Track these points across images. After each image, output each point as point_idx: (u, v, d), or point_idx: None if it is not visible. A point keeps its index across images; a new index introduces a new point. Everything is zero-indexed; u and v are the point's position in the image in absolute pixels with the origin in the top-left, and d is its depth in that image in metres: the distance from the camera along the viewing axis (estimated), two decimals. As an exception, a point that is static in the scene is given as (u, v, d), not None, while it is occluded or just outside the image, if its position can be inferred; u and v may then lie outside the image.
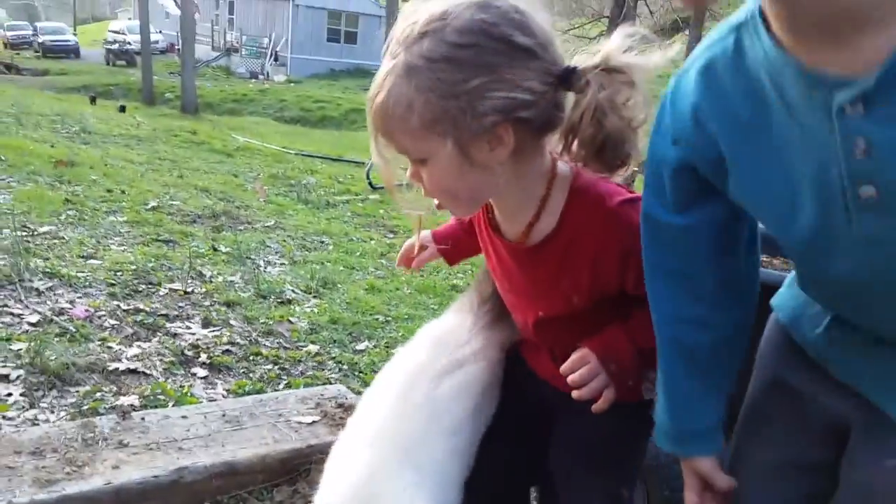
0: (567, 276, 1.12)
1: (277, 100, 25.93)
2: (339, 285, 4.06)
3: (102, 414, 1.93)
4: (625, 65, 0.97)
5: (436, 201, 1.09)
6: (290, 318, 3.41)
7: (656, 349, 1.06)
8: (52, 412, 2.18)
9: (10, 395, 2.22)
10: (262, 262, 4.34)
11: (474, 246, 1.34)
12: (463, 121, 0.94)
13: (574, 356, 1.12)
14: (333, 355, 3.04)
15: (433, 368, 1.30)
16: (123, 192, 5.37)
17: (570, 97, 1.00)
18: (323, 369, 2.92)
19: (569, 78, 0.97)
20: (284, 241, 5.00)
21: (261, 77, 31.43)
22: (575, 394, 1.11)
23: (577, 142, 1.00)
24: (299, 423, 1.95)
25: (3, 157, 5.62)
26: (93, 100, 18.00)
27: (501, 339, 1.40)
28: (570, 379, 1.12)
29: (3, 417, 2.08)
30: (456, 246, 1.43)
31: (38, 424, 1.95)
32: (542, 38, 0.96)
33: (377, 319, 3.58)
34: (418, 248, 1.43)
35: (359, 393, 2.62)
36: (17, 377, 2.33)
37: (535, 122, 0.98)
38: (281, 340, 3.16)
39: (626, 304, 1.13)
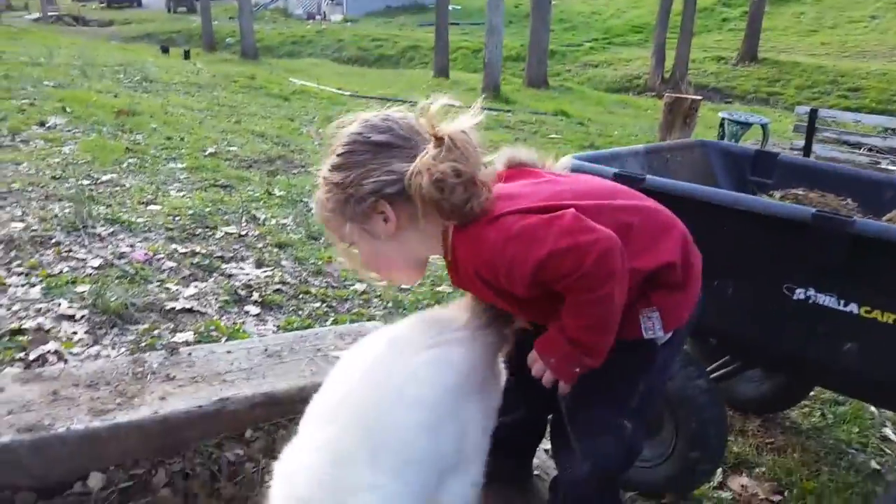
0: (480, 294, 1.39)
1: (335, 40, 25.88)
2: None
3: (159, 350, 2.07)
4: (442, 132, 1.22)
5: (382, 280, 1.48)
6: (339, 259, 3.52)
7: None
8: (113, 348, 2.36)
9: (75, 333, 2.40)
10: (314, 205, 4.44)
11: None
12: (353, 206, 1.26)
13: (529, 355, 1.36)
14: (379, 293, 3.14)
15: (415, 343, 1.34)
16: (182, 139, 5.54)
17: None
18: (368, 307, 3.04)
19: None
20: (336, 183, 5.08)
21: (318, 17, 31.28)
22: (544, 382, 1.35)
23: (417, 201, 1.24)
24: (336, 357, 2.05)
25: (68, 110, 5.86)
26: (165, 50, 18.32)
27: (494, 340, 1.45)
28: (533, 372, 1.36)
29: (70, 353, 2.27)
30: None
31: (99, 359, 2.12)
32: (403, 132, 1.26)
33: (422, 259, 3.65)
34: None
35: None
36: (82, 317, 2.52)
37: (404, 194, 1.24)
38: (329, 280, 3.28)
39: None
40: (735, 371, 2.22)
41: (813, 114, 8.18)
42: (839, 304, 1.63)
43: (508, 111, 9.51)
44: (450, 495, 1.30)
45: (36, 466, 1.52)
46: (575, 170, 1.93)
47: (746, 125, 8.35)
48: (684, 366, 1.91)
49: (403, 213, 1.26)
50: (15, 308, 2.52)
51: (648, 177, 1.83)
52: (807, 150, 8.03)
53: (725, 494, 2.14)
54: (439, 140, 1.22)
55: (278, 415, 1.86)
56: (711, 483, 2.15)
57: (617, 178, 1.85)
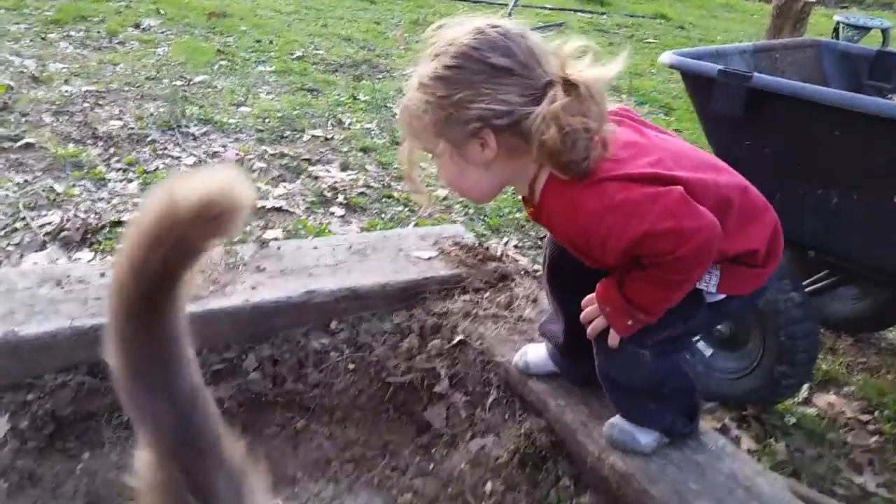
0: (561, 241, 1.34)
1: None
2: (472, 132, 4.08)
3: (250, 243, 2.14)
4: (579, 78, 1.11)
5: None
6: (422, 165, 3.51)
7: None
8: (208, 242, 2.46)
9: (171, 227, 2.51)
10: (398, 110, 4.42)
11: None
12: (452, 126, 1.17)
13: (587, 297, 1.33)
14: (461, 199, 3.13)
15: None
16: (271, 42, 5.56)
17: None
18: (450, 212, 3.04)
19: (546, 90, 1.12)
20: (421, 88, 5.03)
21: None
22: (588, 331, 1.33)
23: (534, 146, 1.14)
24: (418, 257, 2.07)
25: (162, 12, 5.95)
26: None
27: None
28: (581, 317, 1.34)
29: (167, 245, 2.38)
30: None
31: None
32: (524, 58, 1.13)
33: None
34: None
35: (480, 235, 2.73)
36: (178, 211, 2.62)
37: (513, 128, 1.14)
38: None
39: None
40: (831, 286, 2.12)
41: (942, 18, 7.42)
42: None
43: (604, 13, 9.05)
44: None
45: (137, 345, 1.62)
46: (674, 66, 1.83)
47: (864, 30, 7.65)
48: (779, 277, 1.83)
49: (503, 146, 1.17)
50: (115, 202, 2.65)
51: (755, 75, 1.71)
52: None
53: (810, 411, 2.08)
54: (570, 86, 1.11)
55: (361, 308, 1.91)
56: (796, 398, 2.10)
57: (721, 74, 1.74)
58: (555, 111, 1.10)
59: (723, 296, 1.29)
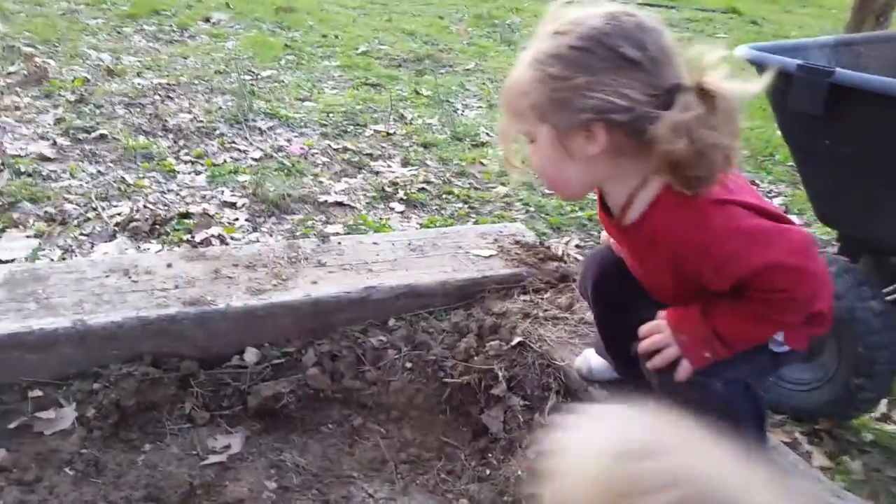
0: (652, 261, 1.21)
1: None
2: (535, 128, 4.03)
3: (311, 238, 2.16)
4: (718, 90, 1.01)
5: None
6: (483, 161, 3.49)
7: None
8: (271, 236, 2.49)
9: (237, 219, 2.55)
10: (459, 106, 4.40)
11: None
12: (563, 112, 1.07)
13: (650, 323, 1.23)
14: (521, 197, 3.09)
15: None
16: (336, 37, 5.61)
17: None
18: (510, 209, 3.00)
19: (673, 94, 1.03)
20: (483, 83, 5.00)
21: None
22: (649, 364, 1.22)
23: (655, 154, 1.04)
24: (477, 255, 2.05)
25: (231, 6, 6.08)
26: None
27: None
28: (641, 346, 1.23)
29: (231, 238, 2.41)
30: None
31: (257, 244, 2.24)
32: (656, 54, 1.04)
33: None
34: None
35: (541, 234, 2.68)
36: (242, 204, 2.66)
37: (628, 125, 1.05)
38: (472, 181, 3.26)
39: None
40: (916, 296, 2.00)
41: None
42: None
43: (673, 7, 8.82)
44: None
45: (199, 338, 1.64)
46: (752, 60, 1.75)
47: (953, 24, 7.24)
48: (857, 284, 1.74)
49: (612, 144, 1.08)
50: (183, 193, 2.71)
51: (838, 70, 1.61)
52: None
53: (889, 428, 1.97)
54: (707, 96, 1.02)
55: (419, 306, 1.89)
56: (873, 413, 1.99)
57: (801, 70, 1.65)
58: (688, 121, 1.00)
59: (787, 348, 1.24)
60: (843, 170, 1.72)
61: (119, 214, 2.49)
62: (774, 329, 1.17)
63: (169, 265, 1.81)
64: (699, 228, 1.09)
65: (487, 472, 1.58)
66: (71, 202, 2.57)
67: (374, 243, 2.08)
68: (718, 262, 1.09)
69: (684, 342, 1.18)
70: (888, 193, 1.69)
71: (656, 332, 1.22)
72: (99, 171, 2.86)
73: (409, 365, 1.77)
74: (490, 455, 1.62)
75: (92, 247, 2.31)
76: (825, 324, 1.23)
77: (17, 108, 3.38)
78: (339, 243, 2.05)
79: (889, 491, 1.74)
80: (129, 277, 1.75)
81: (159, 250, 2.29)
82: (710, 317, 1.16)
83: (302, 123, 3.67)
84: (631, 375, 1.54)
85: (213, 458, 1.53)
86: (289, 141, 3.43)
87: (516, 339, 1.78)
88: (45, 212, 2.47)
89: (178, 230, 2.41)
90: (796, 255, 1.07)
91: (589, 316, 1.87)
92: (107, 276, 1.75)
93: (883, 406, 2.02)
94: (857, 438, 1.90)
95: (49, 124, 3.24)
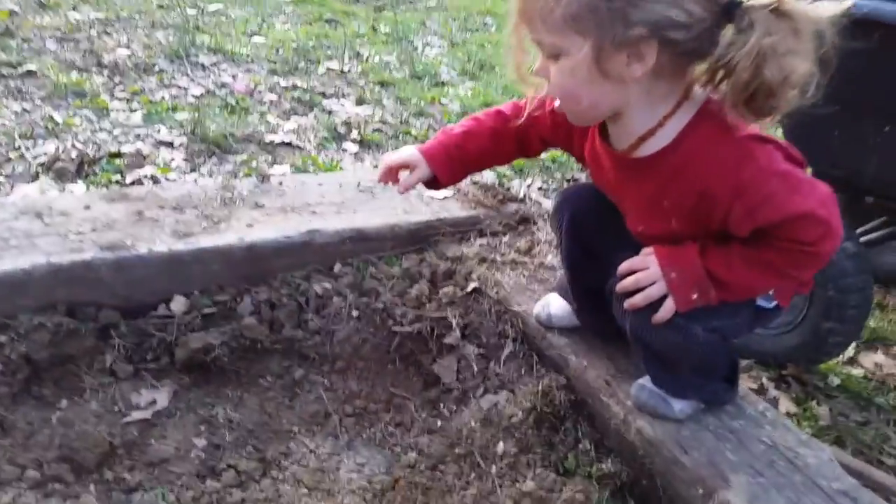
0: (670, 197, 1.08)
1: None
2: (497, 68, 3.86)
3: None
4: (796, 11, 0.89)
5: (556, 102, 1.09)
6: (442, 100, 3.32)
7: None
8: (210, 177, 2.31)
9: (172, 159, 2.36)
10: (420, 44, 4.20)
11: (465, 168, 1.34)
12: (610, 25, 0.92)
13: (634, 259, 1.13)
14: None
15: None
16: (290, -30, 5.31)
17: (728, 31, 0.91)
18: (470, 150, 2.84)
19: (732, 11, 0.90)
20: (446, 21, 4.79)
21: None
22: (628, 302, 1.12)
23: (727, 83, 0.94)
24: (431, 197, 1.91)
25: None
26: None
27: None
28: (624, 282, 1.12)
29: (165, 179, 2.23)
30: (449, 168, 1.33)
31: (187, 184, 2.06)
32: None
33: (533, 102, 3.39)
34: (406, 168, 1.34)
35: (502, 175, 2.54)
36: (180, 144, 2.47)
37: (682, 46, 0.93)
38: (431, 121, 3.10)
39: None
40: (889, 236, 1.91)
41: None
42: None
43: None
44: None
45: (119, 285, 1.49)
46: (870, 16, 1.52)
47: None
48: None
49: (657, 65, 0.95)
50: (115, 132, 2.50)
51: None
52: None
53: (856, 371, 1.91)
54: (784, 18, 0.89)
55: (367, 251, 1.76)
56: (841, 358, 1.93)
57: None
58: (773, 45, 0.88)
59: (774, 304, 1.18)
60: (825, 104, 1.60)
61: (44, 154, 2.28)
62: (781, 283, 1.12)
63: (87, 207, 1.64)
64: (743, 164, 0.99)
65: (438, 423, 1.48)
66: (-9, 141, 2.35)
67: (320, 184, 1.92)
68: (754, 203, 1.00)
69: (673, 280, 1.09)
70: (874, 130, 1.58)
71: (641, 268, 1.12)
72: (24, 109, 2.63)
73: (355, 313, 1.64)
74: (442, 406, 1.52)
75: (12, 188, 2.11)
76: (811, 283, 1.20)
77: (-65, 41, 3.10)
78: (281, 184, 1.89)
79: (855, 436, 1.68)
80: (42, 220, 1.57)
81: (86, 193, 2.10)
82: (707, 257, 1.07)
83: (249, 59, 3.45)
84: (590, 322, 1.44)
85: (137, 415, 1.40)
86: (234, 77, 3.21)
87: (472, 285, 1.67)
88: (-38, 151, 2.26)
89: (106, 171, 2.21)
90: (826, 207, 1.00)
91: (550, 260, 1.75)
92: (16, 219, 1.57)
93: (851, 350, 1.96)
94: (824, 384, 1.84)
95: (-30, 59, 2.98)
